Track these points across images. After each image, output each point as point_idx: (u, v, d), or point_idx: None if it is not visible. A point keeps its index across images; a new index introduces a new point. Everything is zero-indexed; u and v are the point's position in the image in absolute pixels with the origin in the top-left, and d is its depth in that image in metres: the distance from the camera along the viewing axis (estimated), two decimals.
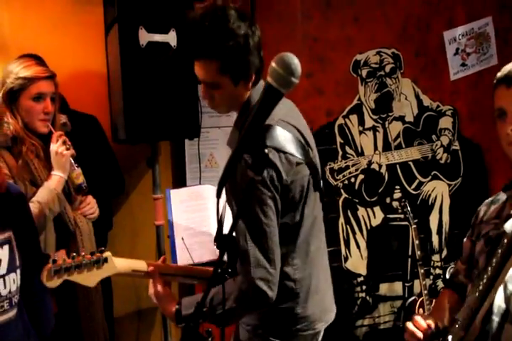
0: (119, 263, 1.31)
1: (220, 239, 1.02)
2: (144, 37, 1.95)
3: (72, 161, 1.81)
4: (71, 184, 1.86)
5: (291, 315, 1.36)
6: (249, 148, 1.01)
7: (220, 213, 1.02)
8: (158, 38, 1.98)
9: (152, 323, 2.47)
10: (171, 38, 2.00)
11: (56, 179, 1.76)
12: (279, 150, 1.25)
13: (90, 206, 1.92)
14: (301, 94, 2.63)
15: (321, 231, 1.49)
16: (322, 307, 1.46)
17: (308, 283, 1.38)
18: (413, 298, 2.79)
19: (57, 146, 1.76)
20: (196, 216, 1.62)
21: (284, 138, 1.27)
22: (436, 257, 3.01)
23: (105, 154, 2.22)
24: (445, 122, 2.95)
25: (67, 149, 1.78)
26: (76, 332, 1.85)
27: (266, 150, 1.08)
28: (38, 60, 1.82)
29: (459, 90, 2.94)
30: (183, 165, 2.49)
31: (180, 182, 2.48)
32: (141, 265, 1.36)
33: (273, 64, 0.95)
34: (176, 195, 1.66)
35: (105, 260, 1.27)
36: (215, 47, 1.25)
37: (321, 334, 1.49)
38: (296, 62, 0.95)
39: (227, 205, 1.14)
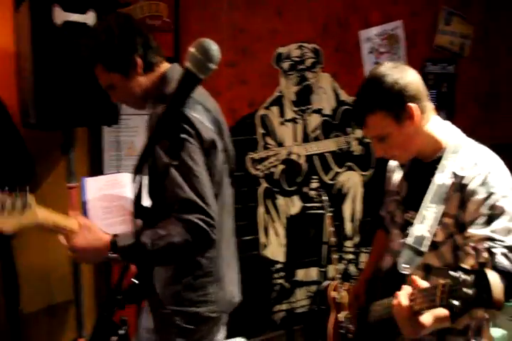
0: (42, 213, 1.23)
1: (139, 209, 1.00)
2: (60, 16, 1.84)
3: None
4: None
5: (203, 294, 1.37)
6: (169, 127, 1.00)
7: (138, 186, 1.01)
8: (75, 17, 1.88)
9: (65, 318, 2.37)
10: (90, 18, 1.91)
11: None
12: (197, 119, 1.28)
13: None
14: (225, 84, 2.64)
15: (232, 214, 1.51)
16: (231, 289, 1.48)
17: (220, 263, 1.40)
18: (327, 282, 2.92)
19: None
20: (114, 205, 1.57)
21: (198, 110, 1.31)
22: (349, 243, 3.18)
23: (9, 136, 2.04)
24: None
25: None
26: None
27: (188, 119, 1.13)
28: None
29: None
30: (101, 152, 2.40)
31: (97, 170, 2.39)
32: (65, 221, 1.27)
33: (192, 49, 0.95)
34: (92, 184, 1.59)
35: (28, 205, 1.19)
36: (93, 53, 1.37)
37: (227, 317, 1.52)
38: (215, 48, 0.96)
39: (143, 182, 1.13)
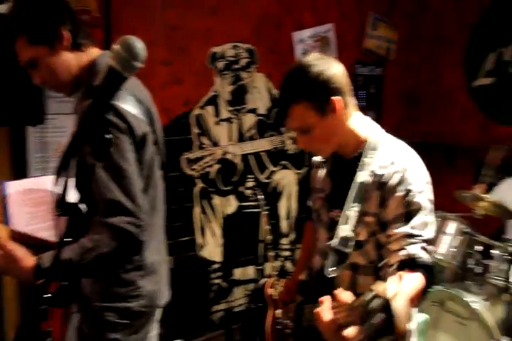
0: None
1: (64, 206, 0.95)
2: None
3: None
4: None
5: (133, 289, 1.34)
6: (96, 123, 0.95)
7: (65, 181, 0.96)
8: None
9: None
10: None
11: None
12: (129, 111, 1.24)
13: None
14: (159, 83, 2.59)
15: (162, 208, 1.48)
16: (163, 283, 1.47)
17: (151, 256, 1.37)
18: (264, 279, 2.96)
19: None
20: (39, 210, 1.49)
21: (130, 102, 1.27)
22: (284, 240, 3.25)
23: None
24: None
25: None
26: None
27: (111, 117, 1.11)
28: None
29: None
30: (24, 154, 2.26)
31: (21, 174, 2.25)
32: None
33: (116, 46, 0.91)
34: (14, 188, 1.49)
35: None
36: (16, 22, 1.28)
37: (159, 313, 1.50)
38: (140, 46, 0.93)
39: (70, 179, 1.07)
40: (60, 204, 0.96)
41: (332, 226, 1.32)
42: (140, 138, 1.26)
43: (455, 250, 2.60)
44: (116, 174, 1.18)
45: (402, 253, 1.14)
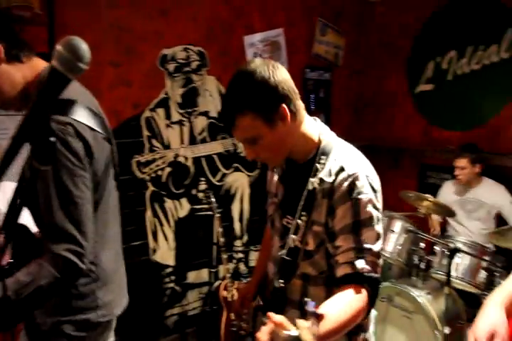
0: None
1: (10, 228, 0.91)
2: None
3: None
4: None
5: (92, 300, 1.32)
6: (35, 130, 0.91)
7: (10, 199, 0.92)
8: None
9: None
10: None
11: None
12: (87, 126, 1.21)
13: None
14: (106, 84, 2.54)
15: (118, 218, 1.47)
16: (120, 292, 1.45)
17: (107, 267, 1.36)
18: (218, 282, 2.96)
19: None
20: None
21: (86, 115, 1.23)
22: (238, 242, 3.26)
23: None
24: None
25: None
26: None
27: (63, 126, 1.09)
28: None
29: None
30: None
31: None
32: None
33: (59, 47, 0.89)
34: None
35: None
36: None
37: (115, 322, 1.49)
38: (84, 47, 0.91)
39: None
40: (6, 226, 0.92)
41: (284, 233, 1.28)
42: (98, 153, 1.24)
43: (401, 248, 2.72)
44: (65, 199, 1.15)
45: (349, 266, 1.11)
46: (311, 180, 1.20)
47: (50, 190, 1.14)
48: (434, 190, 3.18)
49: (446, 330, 2.37)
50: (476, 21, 3.21)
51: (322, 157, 1.21)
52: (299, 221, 1.20)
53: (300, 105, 1.21)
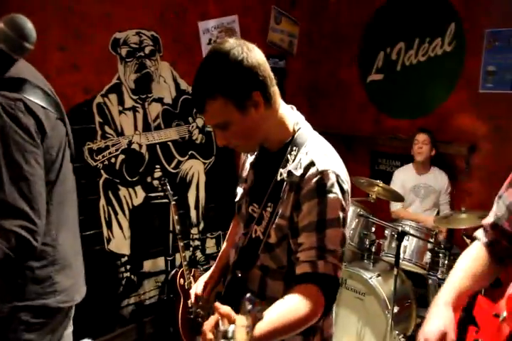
0: None
1: None
2: None
3: None
4: None
5: (49, 285, 1.29)
6: None
7: None
8: None
9: None
10: None
11: None
12: (38, 104, 1.18)
13: None
14: (54, 69, 2.44)
15: (75, 201, 1.44)
16: (79, 278, 1.43)
17: (65, 250, 1.34)
18: (174, 270, 2.95)
19: None
20: None
21: (38, 94, 1.20)
22: (194, 230, 3.26)
23: None
24: None
25: None
26: None
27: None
28: None
29: None
30: None
31: None
32: None
33: (1, 25, 0.85)
34: None
35: None
36: None
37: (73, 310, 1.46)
38: (30, 26, 0.87)
39: None
40: None
41: (249, 221, 1.25)
42: (50, 132, 1.21)
43: (353, 232, 2.81)
44: (16, 175, 1.13)
45: (309, 265, 1.08)
46: (281, 170, 1.16)
47: (0, 165, 1.11)
48: (385, 177, 3.29)
49: (396, 310, 2.49)
50: (422, 14, 3.32)
51: (294, 148, 1.16)
52: (264, 211, 1.17)
53: (276, 92, 1.15)
